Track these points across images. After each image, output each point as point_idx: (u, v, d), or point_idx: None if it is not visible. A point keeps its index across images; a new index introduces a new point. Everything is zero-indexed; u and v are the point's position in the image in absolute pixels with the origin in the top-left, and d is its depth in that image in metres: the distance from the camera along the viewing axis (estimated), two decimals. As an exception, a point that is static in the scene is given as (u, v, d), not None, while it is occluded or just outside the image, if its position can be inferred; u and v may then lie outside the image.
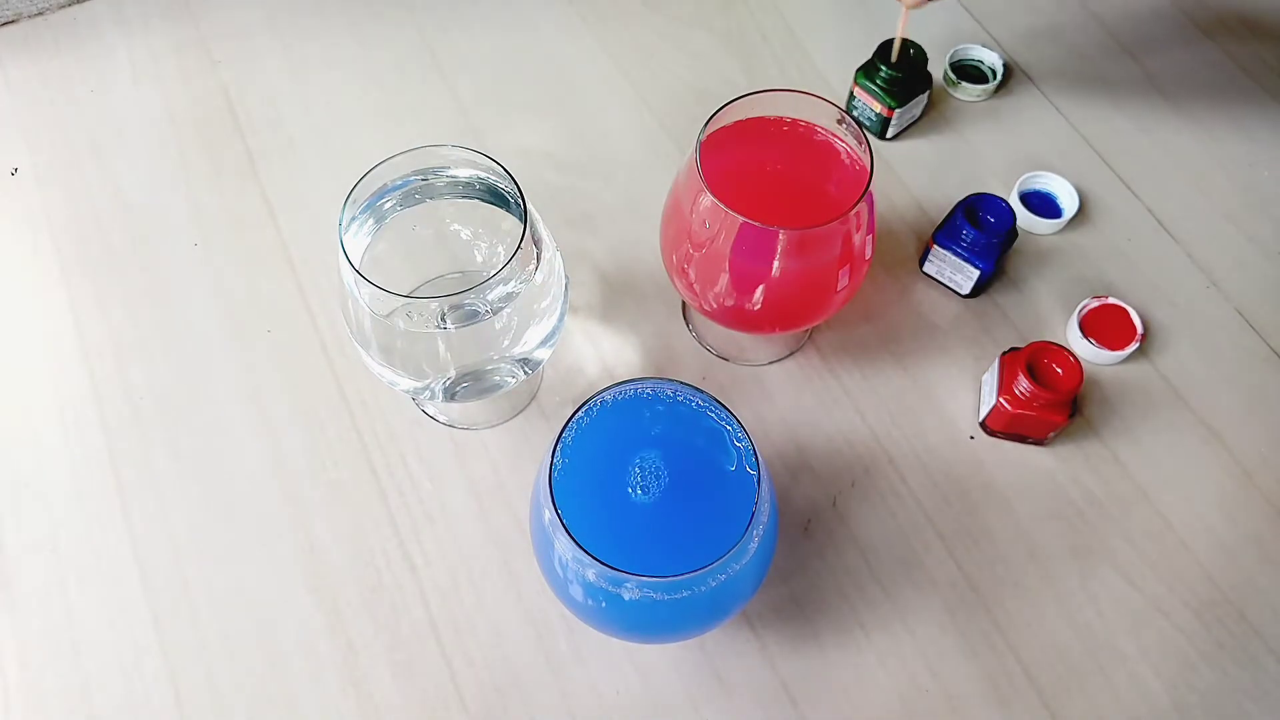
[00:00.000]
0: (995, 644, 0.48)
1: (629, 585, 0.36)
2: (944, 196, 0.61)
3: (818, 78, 0.67)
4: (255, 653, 0.47)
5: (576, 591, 0.39)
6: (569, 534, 0.36)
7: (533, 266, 0.44)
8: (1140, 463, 0.53)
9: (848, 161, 0.48)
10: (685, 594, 0.37)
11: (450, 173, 0.45)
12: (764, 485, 0.38)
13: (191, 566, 0.49)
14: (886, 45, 0.60)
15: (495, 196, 0.46)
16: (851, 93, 0.62)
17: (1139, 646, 0.48)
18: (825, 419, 0.54)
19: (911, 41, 0.60)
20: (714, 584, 0.37)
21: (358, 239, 0.45)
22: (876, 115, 0.62)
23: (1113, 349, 0.55)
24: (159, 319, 0.56)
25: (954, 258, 0.56)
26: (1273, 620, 0.49)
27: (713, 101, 0.47)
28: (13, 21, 0.67)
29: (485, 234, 0.47)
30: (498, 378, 0.47)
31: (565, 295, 0.48)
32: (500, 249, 0.45)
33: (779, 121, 0.48)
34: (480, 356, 0.45)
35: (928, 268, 0.58)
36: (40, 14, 0.68)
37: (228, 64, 0.66)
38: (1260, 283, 0.59)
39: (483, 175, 0.45)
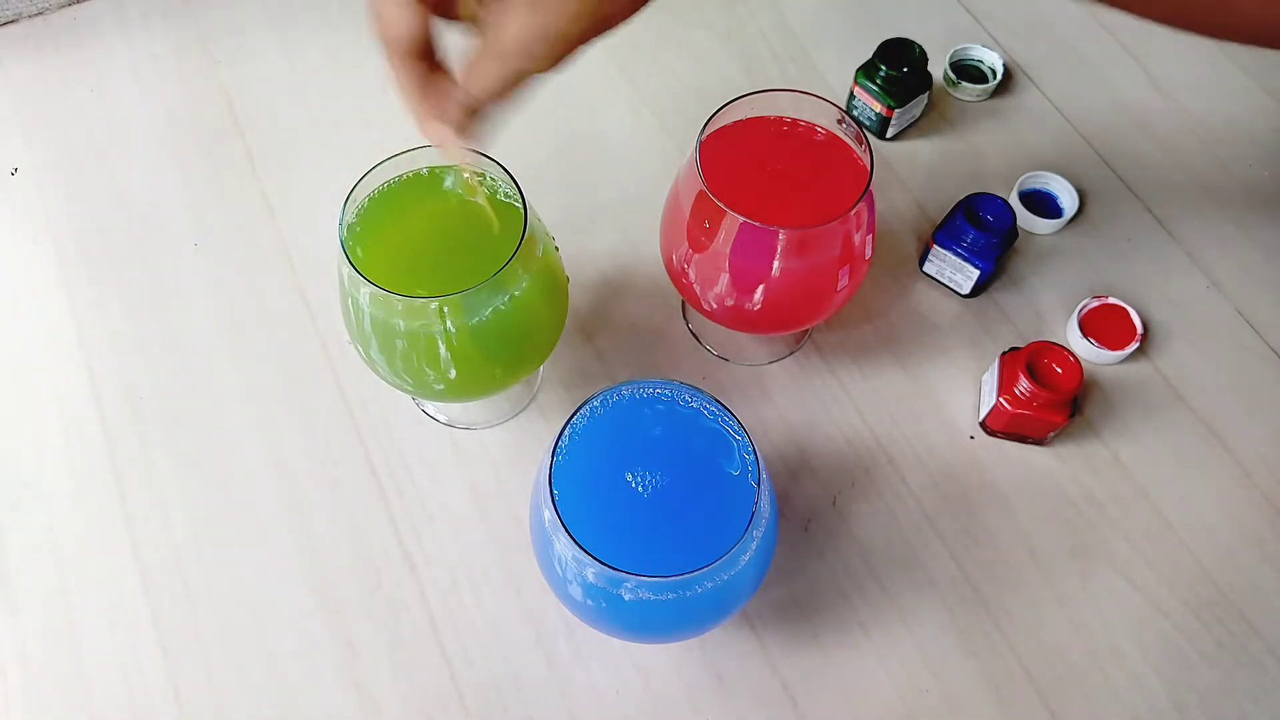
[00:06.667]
0: (995, 644, 0.48)
1: (628, 585, 0.36)
2: (944, 196, 0.61)
3: (818, 78, 0.67)
4: (255, 653, 0.47)
5: (576, 591, 0.39)
6: (569, 534, 0.36)
7: (533, 266, 0.44)
8: (1140, 463, 0.53)
9: (848, 161, 0.48)
10: (685, 594, 0.37)
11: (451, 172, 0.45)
12: (764, 485, 0.38)
13: (191, 566, 0.49)
14: (886, 45, 0.60)
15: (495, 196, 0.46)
16: (851, 93, 0.62)
17: (1139, 646, 0.48)
18: (825, 419, 0.54)
19: (912, 41, 0.60)
20: (714, 584, 0.37)
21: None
22: (876, 115, 0.62)
23: (1113, 349, 0.55)
24: (159, 319, 0.56)
25: (954, 257, 0.56)
26: (1273, 620, 0.49)
27: (713, 101, 0.47)
28: (13, 21, 0.67)
29: (485, 233, 0.47)
30: (498, 378, 0.47)
31: (565, 295, 0.48)
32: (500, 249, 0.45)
33: (779, 121, 0.48)
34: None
35: (928, 268, 0.58)
36: (40, 14, 0.68)
37: (228, 64, 0.66)
38: (1260, 283, 0.59)
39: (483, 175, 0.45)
